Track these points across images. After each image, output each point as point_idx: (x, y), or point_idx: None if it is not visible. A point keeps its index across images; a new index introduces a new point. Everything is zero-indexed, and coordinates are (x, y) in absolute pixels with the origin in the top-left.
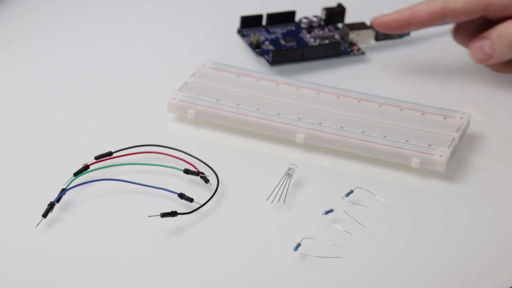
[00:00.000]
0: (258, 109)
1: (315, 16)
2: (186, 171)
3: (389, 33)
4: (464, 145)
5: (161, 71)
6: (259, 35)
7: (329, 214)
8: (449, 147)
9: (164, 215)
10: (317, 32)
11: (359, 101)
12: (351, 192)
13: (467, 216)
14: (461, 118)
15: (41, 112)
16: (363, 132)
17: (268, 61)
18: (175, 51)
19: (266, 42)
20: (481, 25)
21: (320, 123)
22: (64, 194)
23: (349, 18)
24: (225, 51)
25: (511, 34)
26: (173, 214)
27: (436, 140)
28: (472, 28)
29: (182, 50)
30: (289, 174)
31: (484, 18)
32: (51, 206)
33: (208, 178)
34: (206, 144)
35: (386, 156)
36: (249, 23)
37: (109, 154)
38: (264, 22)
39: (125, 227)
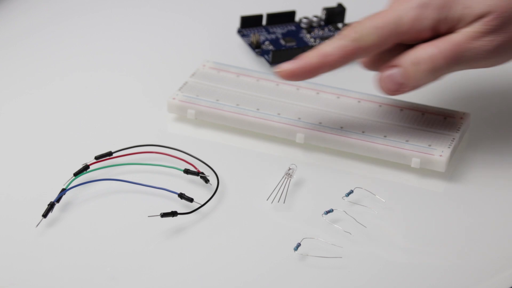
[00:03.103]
0: (258, 109)
1: (315, 16)
2: (186, 171)
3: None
4: (464, 145)
5: (161, 71)
6: (259, 35)
7: (329, 214)
8: (449, 147)
9: (164, 215)
10: (317, 32)
11: (359, 101)
12: (351, 192)
13: (467, 216)
14: (461, 118)
15: (41, 112)
16: (363, 132)
17: (268, 61)
18: (175, 51)
19: (266, 42)
20: (391, 50)
21: (320, 123)
22: (64, 194)
23: (349, 18)
24: (225, 51)
25: (428, 60)
26: (173, 214)
27: (436, 140)
28: (382, 54)
29: (182, 50)
30: (289, 174)
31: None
32: (51, 206)
33: (208, 178)
34: (206, 144)
35: (386, 156)
36: (249, 23)
37: (109, 154)
38: (264, 22)
39: (125, 227)
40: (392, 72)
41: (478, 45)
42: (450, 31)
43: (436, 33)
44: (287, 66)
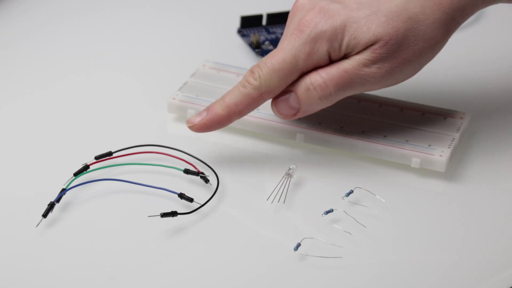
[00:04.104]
0: (258, 109)
1: None
2: (186, 171)
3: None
4: (464, 145)
5: (161, 71)
6: (259, 35)
7: (329, 214)
8: (449, 147)
9: (164, 215)
10: None
11: (359, 101)
12: (351, 192)
13: (467, 216)
14: (461, 118)
15: (41, 112)
16: (363, 132)
17: None
18: (175, 51)
19: (266, 42)
20: None
21: (320, 123)
22: (64, 194)
23: None
24: (225, 51)
25: (319, 87)
26: (173, 214)
27: (436, 140)
28: None
29: (182, 50)
30: (289, 174)
31: None
32: (51, 206)
33: (208, 178)
34: (206, 144)
35: (386, 156)
36: (249, 23)
37: (109, 154)
38: (264, 22)
39: (125, 227)
40: (286, 97)
41: (367, 72)
42: (344, 57)
43: (332, 60)
44: (198, 120)
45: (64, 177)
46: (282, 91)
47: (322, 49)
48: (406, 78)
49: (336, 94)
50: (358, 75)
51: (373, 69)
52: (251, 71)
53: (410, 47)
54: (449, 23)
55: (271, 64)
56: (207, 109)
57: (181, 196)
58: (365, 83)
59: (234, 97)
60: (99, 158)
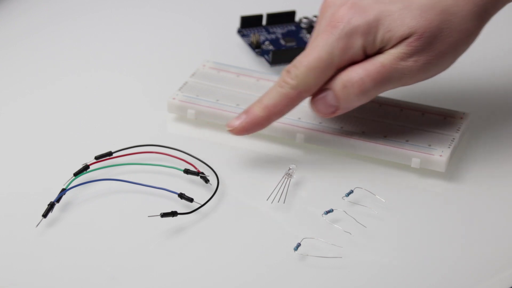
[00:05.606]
0: None
1: (315, 16)
2: (186, 171)
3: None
4: (464, 145)
5: (161, 71)
6: (259, 35)
7: (329, 214)
8: (449, 147)
9: (164, 215)
10: None
11: None
12: (351, 192)
13: (467, 216)
14: (461, 118)
15: (41, 112)
16: (363, 132)
17: (268, 61)
18: (175, 51)
19: (266, 42)
20: None
21: (320, 123)
22: (64, 194)
23: None
24: (225, 51)
25: (357, 83)
26: (173, 214)
27: (436, 140)
28: None
29: (182, 50)
30: (289, 174)
31: None
32: (51, 206)
33: (208, 178)
34: (206, 144)
35: (386, 156)
36: (249, 23)
37: (109, 154)
38: (264, 22)
39: (125, 227)
40: (323, 95)
41: (404, 65)
42: (378, 52)
43: (367, 55)
44: (237, 123)
45: (64, 177)
46: (319, 89)
47: (357, 44)
48: (441, 71)
49: (375, 90)
50: (396, 69)
51: (410, 62)
52: (287, 70)
53: (445, 39)
54: (482, 14)
55: (307, 62)
56: (246, 111)
57: (181, 196)
58: (402, 77)
59: (272, 97)
60: (99, 158)
